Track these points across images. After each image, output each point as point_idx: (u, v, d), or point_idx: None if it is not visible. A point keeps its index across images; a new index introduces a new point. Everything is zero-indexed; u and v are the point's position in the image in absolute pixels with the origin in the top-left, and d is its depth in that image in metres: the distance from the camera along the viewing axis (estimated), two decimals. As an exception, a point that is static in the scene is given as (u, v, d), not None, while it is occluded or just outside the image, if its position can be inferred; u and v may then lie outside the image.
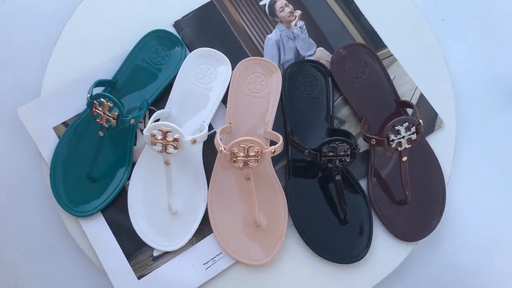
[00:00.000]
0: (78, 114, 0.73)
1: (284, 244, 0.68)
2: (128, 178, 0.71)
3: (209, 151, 0.72)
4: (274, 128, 0.72)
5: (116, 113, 0.64)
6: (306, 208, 0.69)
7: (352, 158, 0.64)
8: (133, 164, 0.71)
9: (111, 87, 0.73)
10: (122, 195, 0.70)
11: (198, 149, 0.72)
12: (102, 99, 0.64)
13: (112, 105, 0.64)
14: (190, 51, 0.75)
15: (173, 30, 0.77)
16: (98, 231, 0.69)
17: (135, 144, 0.73)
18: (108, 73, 0.74)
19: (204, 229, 0.69)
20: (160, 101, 0.74)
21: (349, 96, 0.73)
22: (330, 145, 0.63)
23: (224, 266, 0.68)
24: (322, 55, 0.76)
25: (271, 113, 0.72)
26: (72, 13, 0.78)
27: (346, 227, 0.68)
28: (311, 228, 0.69)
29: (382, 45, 0.77)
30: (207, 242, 0.69)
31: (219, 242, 0.68)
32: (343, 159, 0.63)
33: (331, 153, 0.63)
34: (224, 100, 0.74)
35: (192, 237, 0.69)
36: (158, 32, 0.76)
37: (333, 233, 0.68)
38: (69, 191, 0.70)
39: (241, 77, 0.74)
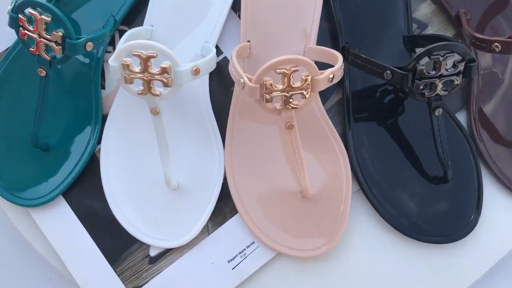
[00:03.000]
0: (8, 48, 0.46)
1: (350, 221, 0.45)
2: (99, 142, 0.46)
3: (219, 88, 0.47)
4: (318, 43, 0.45)
5: (59, 33, 0.38)
6: (379, 165, 0.45)
7: (464, 78, 0.38)
8: (104, 118, 0.46)
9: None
10: (92, 167, 0.46)
11: (203, 86, 0.46)
12: (31, 11, 0.37)
13: (50, 19, 0.37)
14: None
15: None
16: (60, 226, 0.45)
17: (103, 88, 0.47)
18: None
19: (223, 209, 0.46)
20: (135, 15, 0.48)
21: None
22: (432, 57, 0.37)
23: (260, 262, 0.45)
24: None
25: (313, 18, 0.45)
26: None
27: (444, 189, 0.44)
28: (389, 194, 0.45)
29: None
30: (231, 228, 0.46)
31: (249, 227, 0.45)
32: (451, 81, 0.37)
33: (433, 72, 0.37)
34: (235, 6, 0.47)
35: (207, 222, 0.45)
36: None
37: (424, 199, 0.44)
38: (9, 169, 0.46)
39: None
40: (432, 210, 0.44)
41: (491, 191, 0.46)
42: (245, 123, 0.46)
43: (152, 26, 0.46)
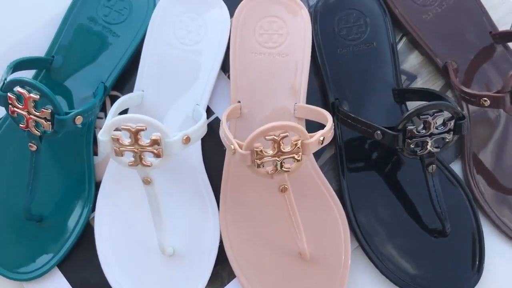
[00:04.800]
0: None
1: (350, 278, 0.43)
2: (93, 210, 0.45)
3: (211, 148, 0.47)
4: (308, 101, 0.46)
5: (48, 109, 0.38)
6: (377, 220, 0.44)
7: (455, 135, 0.38)
8: (97, 185, 0.46)
9: (45, 69, 0.47)
10: (87, 236, 0.45)
11: (195, 147, 0.46)
12: (19, 89, 0.37)
13: (38, 96, 0.37)
14: (161, -3, 0.48)
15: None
16: (56, 299, 0.44)
17: (95, 154, 0.47)
18: (38, 49, 0.48)
19: (220, 273, 0.45)
20: (125, 80, 0.49)
21: (419, 34, 0.47)
22: (421, 117, 0.37)
23: (262, 327, 0.43)
24: (364, -22, 0.49)
25: (302, 77, 0.45)
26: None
27: (444, 242, 0.43)
28: (389, 250, 0.43)
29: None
30: (230, 293, 0.44)
31: (249, 291, 0.43)
32: (442, 138, 0.37)
33: (423, 131, 0.37)
34: (224, 67, 0.47)
35: (205, 288, 0.44)
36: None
37: (424, 253, 0.43)
38: (2, 242, 0.45)
39: (246, 26, 0.47)
40: (432, 264, 0.43)
41: (491, 238, 0.45)
42: (239, 183, 0.45)
43: (143, 91, 0.46)
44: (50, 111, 0.38)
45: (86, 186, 0.45)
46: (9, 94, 0.38)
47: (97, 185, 0.46)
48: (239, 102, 0.46)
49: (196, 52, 0.47)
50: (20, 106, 0.38)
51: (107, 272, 0.44)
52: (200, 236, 0.44)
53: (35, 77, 0.47)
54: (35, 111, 0.38)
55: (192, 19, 0.47)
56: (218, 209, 0.45)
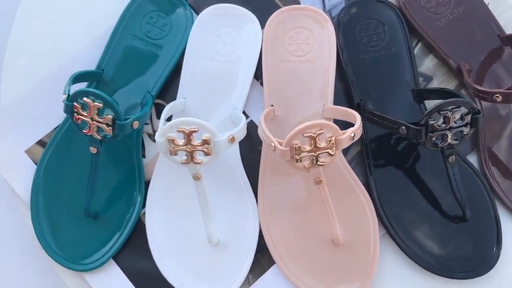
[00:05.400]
0: (57, 127, 0.52)
1: (379, 263, 0.48)
2: (143, 206, 0.50)
3: (248, 149, 0.51)
4: (334, 101, 0.50)
5: (110, 116, 0.43)
6: (402, 209, 0.49)
7: (472, 128, 0.42)
8: (146, 184, 0.50)
9: (96, 81, 0.52)
10: (138, 230, 0.50)
11: (235, 148, 0.50)
12: (85, 99, 0.43)
13: (101, 105, 0.43)
14: (198, 14, 0.53)
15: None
16: (112, 287, 0.48)
17: (143, 156, 0.52)
18: (88, 63, 0.53)
19: (261, 260, 0.49)
20: (167, 90, 0.53)
21: (433, 39, 0.52)
22: (441, 113, 0.41)
23: (300, 309, 0.47)
24: (381, -10, 0.55)
25: (329, 81, 0.50)
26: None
27: (464, 227, 0.48)
28: (414, 235, 0.48)
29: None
30: (270, 278, 0.49)
31: (287, 276, 0.48)
32: (460, 131, 0.42)
33: (443, 125, 0.42)
34: (257, 74, 0.52)
35: (248, 274, 0.48)
36: (150, -8, 0.54)
37: (447, 238, 0.48)
38: (63, 236, 0.50)
39: (276, 37, 0.52)
40: (455, 247, 0.47)
41: (508, 224, 0.49)
42: (274, 178, 0.50)
43: (185, 98, 0.51)
44: (111, 117, 0.43)
45: (137, 185, 0.50)
46: (75, 103, 0.43)
47: (146, 184, 0.51)
48: (272, 105, 0.51)
49: (232, 62, 0.52)
50: (85, 114, 0.43)
51: (159, 262, 0.49)
52: (242, 227, 0.49)
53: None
54: (98, 117, 0.43)
55: (228, 32, 0.52)
56: (256, 202, 0.50)
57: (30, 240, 0.51)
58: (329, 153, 0.42)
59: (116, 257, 0.49)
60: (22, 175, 0.51)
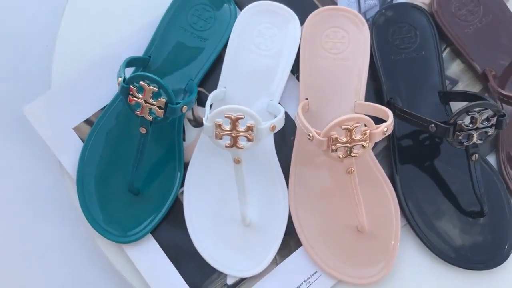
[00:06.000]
0: (104, 107, 0.55)
1: (399, 251, 0.51)
2: (182, 185, 0.53)
3: (281, 138, 0.55)
4: (365, 99, 0.54)
5: (163, 99, 0.46)
6: (424, 202, 0.52)
7: (497, 130, 0.46)
8: (185, 165, 0.54)
9: (143, 67, 0.55)
10: (176, 208, 0.53)
11: (270, 137, 0.54)
12: (142, 82, 0.46)
13: (157, 89, 0.46)
14: (241, 9, 0.57)
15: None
16: (151, 260, 0.52)
17: (184, 140, 0.55)
18: (136, 49, 0.57)
19: (289, 242, 0.53)
20: (208, 79, 0.57)
21: (461, 45, 0.55)
22: (469, 113, 0.45)
23: (323, 288, 0.51)
24: (413, -4, 0.58)
25: (361, 79, 0.54)
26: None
27: (481, 222, 0.51)
28: (434, 227, 0.51)
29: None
30: (296, 259, 0.52)
31: (313, 258, 0.51)
32: (485, 132, 0.45)
33: (470, 125, 0.45)
34: (293, 69, 0.56)
35: (276, 254, 0.52)
36: (197, -14, 0.57)
37: (464, 231, 0.51)
38: (105, 210, 0.53)
39: (314, 35, 0.55)
40: (472, 240, 0.51)
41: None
42: (305, 168, 0.53)
43: (225, 88, 0.55)
44: (165, 100, 0.46)
45: (177, 166, 0.53)
46: (131, 86, 0.47)
47: (185, 165, 0.54)
48: (306, 99, 0.54)
49: (271, 56, 0.55)
50: (140, 96, 0.47)
51: (194, 238, 0.52)
52: (273, 210, 0.52)
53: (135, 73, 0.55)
54: (153, 100, 0.46)
55: (268, 28, 0.56)
56: (287, 188, 0.53)
57: (73, 212, 0.55)
58: (363, 145, 0.45)
59: (154, 232, 0.53)
60: (70, 151, 0.54)
